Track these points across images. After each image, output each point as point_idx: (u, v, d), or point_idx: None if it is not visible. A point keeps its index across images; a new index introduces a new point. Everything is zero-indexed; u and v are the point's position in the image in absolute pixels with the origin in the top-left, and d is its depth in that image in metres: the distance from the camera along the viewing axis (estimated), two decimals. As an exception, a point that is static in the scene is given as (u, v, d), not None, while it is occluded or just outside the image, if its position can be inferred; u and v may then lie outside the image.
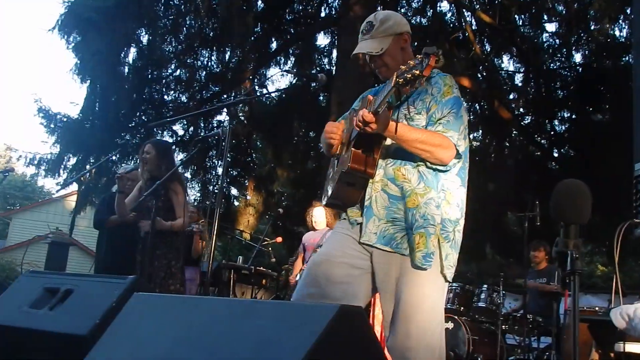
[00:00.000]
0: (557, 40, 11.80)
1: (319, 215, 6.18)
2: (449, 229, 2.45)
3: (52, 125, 11.06)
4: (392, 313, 2.44)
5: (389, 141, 2.48)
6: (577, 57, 11.86)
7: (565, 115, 12.14)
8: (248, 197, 13.91)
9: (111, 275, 3.02)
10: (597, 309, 4.93)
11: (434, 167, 2.46)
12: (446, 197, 2.46)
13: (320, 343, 1.50)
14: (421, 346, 2.38)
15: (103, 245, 5.68)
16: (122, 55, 10.90)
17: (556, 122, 12.26)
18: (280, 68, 13.37)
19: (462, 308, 5.77)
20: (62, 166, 11.23)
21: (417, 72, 2.12)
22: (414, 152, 2.41)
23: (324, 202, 2.77)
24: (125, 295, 2.57)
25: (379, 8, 12.12)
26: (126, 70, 11.30)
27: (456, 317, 5.56)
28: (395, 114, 2.54)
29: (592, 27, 10.83)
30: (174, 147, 12.76)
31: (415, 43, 13.58)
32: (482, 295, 5.83)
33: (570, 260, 1.72)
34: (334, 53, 12.60)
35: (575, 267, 1.72)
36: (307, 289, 2.52)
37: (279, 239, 7.23)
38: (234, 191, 14.64)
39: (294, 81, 13.67)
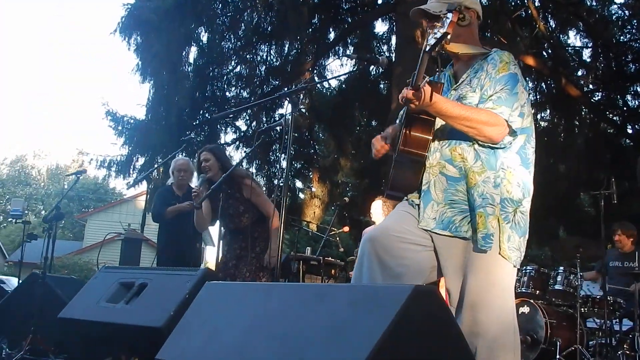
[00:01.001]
0: (627, 12, 11.28)
1: (376, 208, 6.10)
2: (509, 210, 2.35)
3: (119, 128, 11.38)
4: (459, 299, 2.38)
5: (443, 123, 2.41)
6: (649, 28, 11.32)
7: (639, 89, 11.60)
8: (313, 189, 13.92)
9: (183, 268, 3.09)
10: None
11: (489, 145, 2.37)
12: (506, 175, 2.37)
13: (395, 325, 1.47)
14: (489, 334, 2.30)
15: (163, 237, 5.82)
16: (183, 54, 11.06)
17: (629, 97, 11.75)
18: (339, 58, 13.30)
19: (537, 292, 5.57)
20: (132, 167, 11.50)
21: (442, 31, 2.05)
22: (461, 129, 2.33)
23: (385, 195, 2.73)
24: (197, 287, 2.62)
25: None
26: (188, 69, 11.48)
27: (532, 301, 5.38)
28: (453, 95, 2.49)
29: (664, -5, 10.34)
30: (237, 142, 12.93)
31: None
32: (559, 278, 5.61)
33: None
34: (393, 40, 12.43)
35: None
36: (368, 264, 2.46)
37: (346, 229, 7.19)
38: (298, 184, 14.69)
39: (354, 69, 13.56)
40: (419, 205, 2.47)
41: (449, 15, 2.07)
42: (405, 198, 2.58)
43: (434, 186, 2.44)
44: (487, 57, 2.47)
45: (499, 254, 2.32)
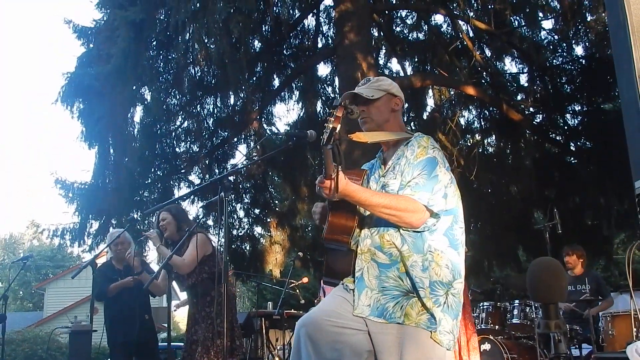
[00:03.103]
0: (556, 36, 11.74)
1: None
2: (440, 293, 2.37)
3: (70, 195, 11.18)
4: None
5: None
6: (579, 50, 11.79)
7: (576, 108, 11.99)
8: (272, 235, 13.87)
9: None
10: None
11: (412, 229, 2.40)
12: (434, 258, 2.39)
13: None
14: None
15: (110, 315, 5.73)
16: (129, 116, 11.01)
17: (568, 117, 12.12)
18: (285, 103, 13.45)
19: (496, 327, 5.66)
20: (86, 233, 11.30)
21: (330, 125, 2.13)
22: (382, 217, 2.37)
23: (322, 281, 2.75)
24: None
25: (373, 31, 12.17)
26: (134, 129, 11.42)
27: (492, 337, 5.45)
28: (381, 181, 2.56)
29: (589, 18, 10.78)
30: (192, 196, 12.83)
31: (416, 58, 13.65)
32: (515, 312, 5.72)
33: (554, 344, 1.66)
34: (337, 81, 12.63)
35: (559, 350, 1.66)
36: (305, 353, 2.45)
37: (305, 280, 7.17)
38: (258, 229, 14.60)
39: (301, 114, 13.68)
40: (353, 290, 2.48)
41: (335, 112, 2.15)
42: (342, 282, 2.59)
43: (367, 272, 2.45)
44: (408, 143, 2.54)
45: (431, 337, 2.33)
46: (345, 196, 2.29)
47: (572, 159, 12.49)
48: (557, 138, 12.42)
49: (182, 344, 4.85)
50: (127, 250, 5.78)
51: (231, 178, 11.10)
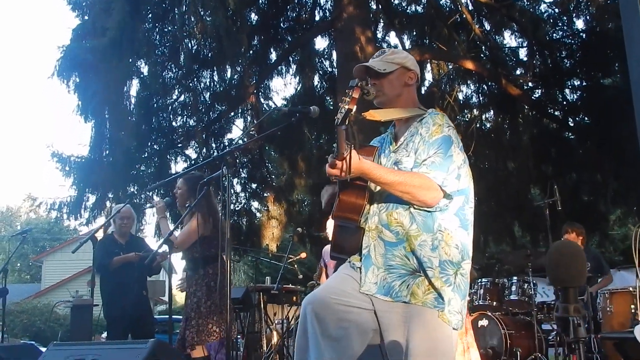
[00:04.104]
0: (556, 10, 11.61)
1: (330, 227, 6.10)
2: (450, 272, 2.35)
3: (67, 168, 11.14)
4: None
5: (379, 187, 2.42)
6: (579, 24, 11.68)
7: (576, 83, 11.92)
8: (270, 210, 13.85)
9: (133, 341, 3.04)
10: (630, 289, 4.77)
11: (425, 208, 2.37)
12: (444, 237, 2.36)
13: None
14: None
15: (108, 289, 5.71)
16: (125, 89, 10.88)
17: (567, 92, 12.04)
18: (282, 77, 13.34)
19: (494, 303, 5.68)
20: (83, 206, 11.28)
21: (346, 106, 2.09)
22: (396, 194, 2.34)
23: (330, 257, 2.74)
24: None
25: (371, 3, 12.03)
26: (131, 102, 11.31)
27: (489, 313, 5.47)
28: (392, 157, 2.51)
29: (590, -9, 10.67)
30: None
31: (414, 31, 13.51)
32: (513, 288, 5.74)
33: (573, 328, 1.62)
34: (334, 55, 12.52)
35: (578, 335, 1.62)
36: (311, 330, 2.42)
37: (303, 255, 7.16)
38: (255, 204, 14.57)
39: (299, 88, 13.58)
40: (360, 268, 2.46)
41: (351, 92, 2.11)
42: (348, 260, 2.56)
43: (374, 250, 2.43)
44: (422, 120, 2.49)
45: (438, 317, 2.31)
46: (360, 174, 2.26)
47: (570, 135, 12.44)
48: (556, 113, 12.35)
49: (181, 316, 4.84)
50: (131, 227, 5.79)
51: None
